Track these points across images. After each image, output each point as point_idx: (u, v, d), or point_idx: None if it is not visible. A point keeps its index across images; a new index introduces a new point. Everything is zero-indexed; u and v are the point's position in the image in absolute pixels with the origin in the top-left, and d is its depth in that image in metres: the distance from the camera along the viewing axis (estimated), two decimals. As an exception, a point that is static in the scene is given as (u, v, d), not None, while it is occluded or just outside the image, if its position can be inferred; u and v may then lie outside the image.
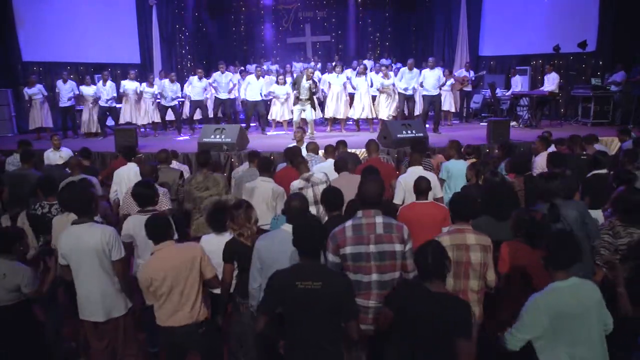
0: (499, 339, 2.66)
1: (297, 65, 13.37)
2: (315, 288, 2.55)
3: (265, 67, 13.27)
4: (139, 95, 11.01)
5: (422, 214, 3.89)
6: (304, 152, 6.33)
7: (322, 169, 5.40)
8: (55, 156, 7.32)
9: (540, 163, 5.78)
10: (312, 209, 4.49)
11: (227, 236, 3.58)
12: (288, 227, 3.05)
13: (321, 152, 6.62)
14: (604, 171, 5.11)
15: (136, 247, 3.85)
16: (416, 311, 2.50)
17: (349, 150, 6.56)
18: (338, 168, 5.07)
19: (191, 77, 11.41)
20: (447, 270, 2.60)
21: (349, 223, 2.96)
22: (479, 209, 3.55)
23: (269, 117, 10.96)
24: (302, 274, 2.60)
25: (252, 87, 10.60)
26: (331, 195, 3.71)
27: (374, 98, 10.88)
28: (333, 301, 2.56)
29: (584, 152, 6.32)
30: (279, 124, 11.20)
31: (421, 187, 4.09)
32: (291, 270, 2.67)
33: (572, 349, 2.51)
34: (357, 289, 2.90)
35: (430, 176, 5.02)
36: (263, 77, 10.99)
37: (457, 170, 5.38)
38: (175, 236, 3.43)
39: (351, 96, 10.89)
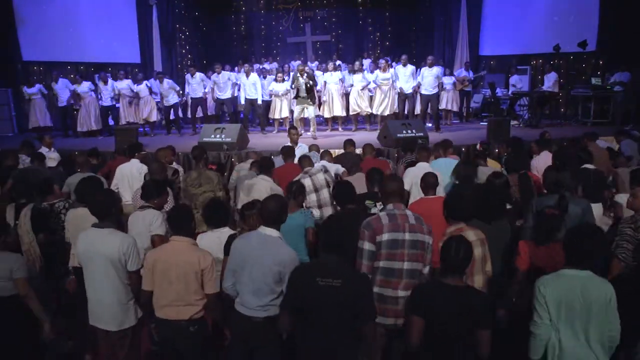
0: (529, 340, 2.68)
1: (296, 64, 13.37)
2: (336, 285, 2.54)
3: (266, 66, 13.29)
4: (133, 95, 11.04)
5: (431, 209, 3.87)
6: (305, 150, 6.43)
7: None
8: (48, 155, 7.28)
9: (536, 165, 5.80)
10: (313, 196, 4.68)
11: (223, 232, 3.59)
12: (265, 230, 2.97)
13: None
14: (592, 166, 5.22)
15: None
16: (442, 307, 2.53)
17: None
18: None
19: (187, 76, 11.38)
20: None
21: (382, 213, 3.06)
22: (472, 210, 3.54)
23: (270, 116, 10.95)
24: (323, 270, 2.60)
25: (245, 86, 10.59)
26: (344, 189, 3.85)
27: (371, 97, 10.90)
28: (352, 300, 2.55)
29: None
30: (280, 123, 11.20)
31: (429, 182, 4.13)
32: (312, 266, 2.71)
33: (574, 340, 2.53)
34: (389, 276, 2.97)
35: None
36: (262, 77, 11.01)
37: (444, 168, 5.38)
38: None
39: (347, 95, 10.91)
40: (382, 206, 3.89)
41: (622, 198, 4.29)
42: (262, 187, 4.74)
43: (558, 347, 2.56)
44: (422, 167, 5.04)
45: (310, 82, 9.55)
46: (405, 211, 3.09)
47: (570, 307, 2.52)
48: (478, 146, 7.18)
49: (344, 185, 3.99)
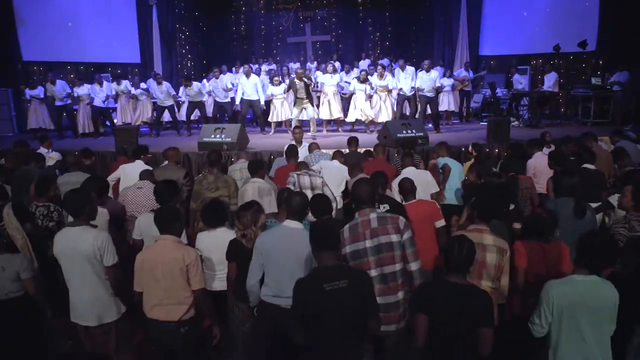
0: (528, 328, 2.74)
1: (294, 66, 13.36)
2: (343, 286, 2.54)
3: (265, 67, 13.28)
4: (131, 96, 11.06)
5: (411, 213, 3.91)
6: (305, 153, 6.42)
7: (330, 167, 5.62)
8: (49, 155, 7.27)
9: (532, 164, 5.81)
10: (308, 193, 4.64)
11: (220, 231, 3.61)
12: (290, 223, 3.12)
13: (324, 151, 6.73)
14: (592, 166, 5.21)
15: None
16: (443, 305, 2.56)
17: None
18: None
19: (183, 88, 11.25)
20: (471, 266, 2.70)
21: (346, 226, 3.04)
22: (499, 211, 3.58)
23: (269, 119, 10.95)
24: (327, 276, 2.58)
25: (245, 87, 10.53)
26: (319, 202, 3.80)
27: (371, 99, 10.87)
28: (359, 297, 2.57)
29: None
30: (279, 124, 11.20)
31: (405, 188, 4.24)
32: (314, 275, 2.66)
33: (579, 344, 2.54)
34: None
35: (423, 174, 5.09)
36: (259, 75, 11.01)
37: (453, 167, 5.43)
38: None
39: (346, 98, 10.88)
40: (385, 209, 3.90)
41: (615, 200, 4.28)
42: (251, 189, 4.80)
43: None
44: (407, 174, 5.01)
45: (308, 82, 9.53)
46: (369, 215, 3.00)
47: (579, 313, 2.53)
48: (470, 148, 7.13)
49: (319, 199, 3.94)
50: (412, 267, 3.00)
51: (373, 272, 2.93)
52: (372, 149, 6.89)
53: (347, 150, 6.72)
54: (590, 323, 2.53)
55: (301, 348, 2.72)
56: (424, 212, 4.07)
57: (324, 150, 6.72)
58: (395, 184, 4.98)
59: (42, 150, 7.43)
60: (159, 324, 3.09)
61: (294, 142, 6.80)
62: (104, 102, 10.93)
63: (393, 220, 2.99)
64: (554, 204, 3.95)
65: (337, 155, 6.16)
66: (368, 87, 10.38)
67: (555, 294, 2.56)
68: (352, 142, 6.68)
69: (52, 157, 6.86)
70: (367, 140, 8.59)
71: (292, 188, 4.54)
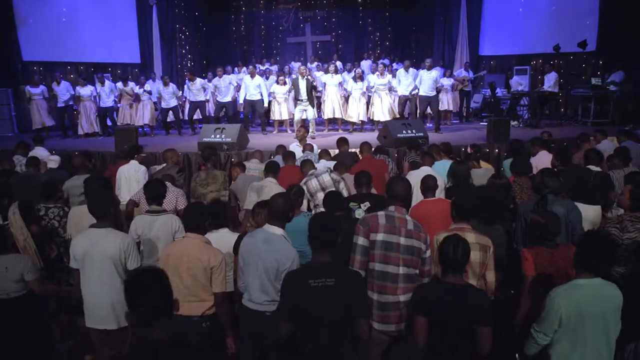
0: (527, 339, 2.69)
1: (296, 65, 13.38)
2: (329, 285, 2.53)
3: (266, 67, 13.28)
4: (135, 97, 11.07)
5: (431, 211, 3.92)
6: (300, 154, 6.46)
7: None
8: (49, 157, 7.29)
9: (534, 163, 5.81)
10: (320, 195, 4.69)
11: (224, 232, 3.61)
12: (270, 228, 3.04)
13: (317, 150, 6.76)
14: (597, 168, 5.16)
15: (142, 247, 3.81)
16: (442, 305, 2.56)
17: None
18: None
19: (186, 83, 11.34)
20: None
21: (381, 213, 3.02)
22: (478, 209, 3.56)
23: (271, 117, 10.96)
24: (315, 272, 2.59)
25: (248, 87, 10.54)
26: (333, 198, 3.87)
27: (369, 99, 10.88)
28: (346, 297, 2.55)
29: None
30: (280, 124, 11.21)
31: (428, 185, 4.19)
32: (303, 269, 2.69)
33: (582, 348, 2.53)
34: (382, 280, 2.92)
35: (440, 178, 5.08)
36: (265, 77, 11.02)
37: (443, 170, 5.41)
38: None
39: (345, 98, 10.91)
40: (366, 207, 3.90)
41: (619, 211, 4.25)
42: (272, 189, 4.78)
43: None
44: (425, 171, 4.99)
45: (312, 85, 9.57)
46: (405, 216, 3.03)
47: (585, 318, 2.50)
48: (469, 149, 7.17)
49: (333, 194, 4.04)
50: (424, 281, 3.02)
51: (402, 270, 2.92)
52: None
53: (337, 151, 6.71)
54: (596, 327, 2.51)
55: (284, 348, 2.71)
56: (442, 210, 3.99)
57: (319, 151, 6.75)
58: (417, 178, 4.96)
59: (40, 150, 7.42)
60: (182, 319, 3.06)
61: (290, 145, 6.84)
62: (112, 102, 10.95)
63: (425, 232, 3.03)
64: (521, 205, 3.97)
65: (324, 154, 6.18)
66: (364, 85, 10.42)
67: (562, 302, 2.51)
68: (342, 142, 6.69)
69: (52, 159, 6.84)
70: (367, 139, 8.58)
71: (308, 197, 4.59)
